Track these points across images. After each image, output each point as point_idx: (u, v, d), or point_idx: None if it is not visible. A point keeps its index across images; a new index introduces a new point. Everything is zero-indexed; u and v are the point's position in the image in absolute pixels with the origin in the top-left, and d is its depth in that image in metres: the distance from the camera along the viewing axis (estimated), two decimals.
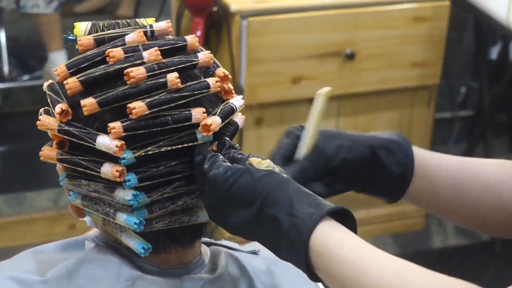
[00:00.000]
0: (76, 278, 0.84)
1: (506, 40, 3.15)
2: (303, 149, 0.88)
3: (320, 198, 0.75)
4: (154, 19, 0.87)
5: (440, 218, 2.91)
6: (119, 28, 0.84)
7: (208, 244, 0.96)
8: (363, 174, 0.91)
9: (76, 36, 0.84)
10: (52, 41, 3.14)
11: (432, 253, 2.77)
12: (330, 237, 0.72)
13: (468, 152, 2.81)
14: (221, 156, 0.80)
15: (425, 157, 0.93)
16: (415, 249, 2.78)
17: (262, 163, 0.78)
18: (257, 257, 0.98)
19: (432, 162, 0.93)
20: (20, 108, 3.35)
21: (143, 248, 0.80)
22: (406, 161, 0.91)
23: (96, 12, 4.15)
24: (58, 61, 3.15)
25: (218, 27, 2.43)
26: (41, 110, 0.84)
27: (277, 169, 0.78)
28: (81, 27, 0.84)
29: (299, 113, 2.48)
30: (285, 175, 0.77)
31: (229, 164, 0.78)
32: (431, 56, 2.56)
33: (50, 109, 0.83)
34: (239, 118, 0.86)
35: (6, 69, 3.26)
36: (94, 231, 0.99)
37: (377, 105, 2.61)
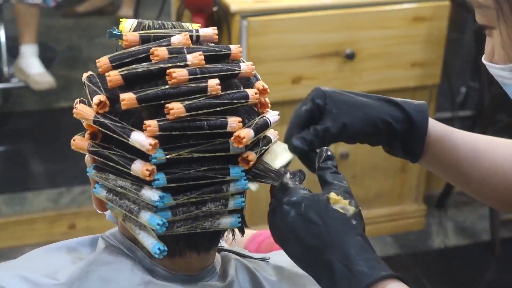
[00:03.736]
0: (88, 280, 0.84)
1: None
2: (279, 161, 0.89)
3: (377, 258, 0.76)
4: (200, 25, 0.87)
5: (440, 218, 2.92)
6: (165, 29, 0.84)
7: (219, 250, 0.95)
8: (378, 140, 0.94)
9: (120, 32, 0.84)
10: (27, 33, 3.14)
11: (432, 253, 2.77)
12: None
13: None
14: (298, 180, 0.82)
15: (438, 134, 0.95)
16: (415, 249, 2.78)
17: (339, 202, 0.79)
18: (267, 265, 0.97)
19: (446, 141, 0.95)
20: (20, 108, 3.36)
21: (159, 249, 0.79)
22: (417, 143, 0.94)
23: (96, 12, 4.16)
24: (29, 55, 3.15)
25: (218, 27, 2.43)
26: (77, 100, 0.83)
27: (351, 211, 0.79)
28: (127, 24, 0.84)
29: None
30: (354, 222, 0.78)
31: (306, 194, 0.80)
32: (431, 56, 2.57)
33: (85, 100, 0.83)
34: (271, 133, 0.86)
35: (6, 69, 3.26)
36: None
37: None
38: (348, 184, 0.82)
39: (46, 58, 3.28)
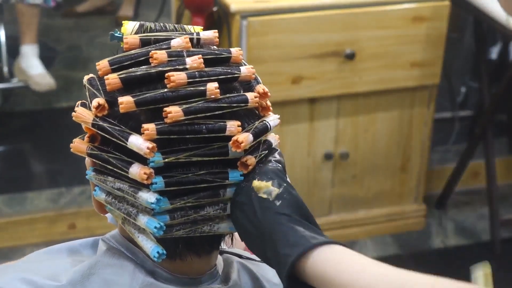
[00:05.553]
0: (90, 283, 0.84)
1: (506, 40, 3.15)
2: None
3: (305, 232, 0.75)
4: (202, 28, 0.87)
5: (440, 218, 2.91)
6: (166, 31, 0.84)
7: (220, 252, 0.95)
8: None
9: (122, 34, 0.84)
10: (27, 33, 3.14)
11: (432, 253, 2.77)
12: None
13: (468, 152, 2.81)
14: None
15: None
16: (415, 249, 2.78)
17: (261, 188, 0.79)
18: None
19: None
20: (20, 108, 3.36)
21: (158, 252, 0.79)
22: None
23: (96, 12, 4.16)
24: (29, 55, 3.15)
25: (218, 27, 2.44)
26: (78, 102, 0.84)
27: (274, 192, 0.78)
28: (129, 26, 0.84)
29: (299, 113, 2.49)
30: (278, 203, 0.77)
31: (243, 188, 0.80)
32: (431, 56, 2.57)
33: (86, 102, 0.83)
34: (272, 137, 0.85)
35: (6, 69, 3.26)
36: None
37: (377, 105, 2.61)
38: (279, 165, 0.82)
39: (46, 58, 3.27)
